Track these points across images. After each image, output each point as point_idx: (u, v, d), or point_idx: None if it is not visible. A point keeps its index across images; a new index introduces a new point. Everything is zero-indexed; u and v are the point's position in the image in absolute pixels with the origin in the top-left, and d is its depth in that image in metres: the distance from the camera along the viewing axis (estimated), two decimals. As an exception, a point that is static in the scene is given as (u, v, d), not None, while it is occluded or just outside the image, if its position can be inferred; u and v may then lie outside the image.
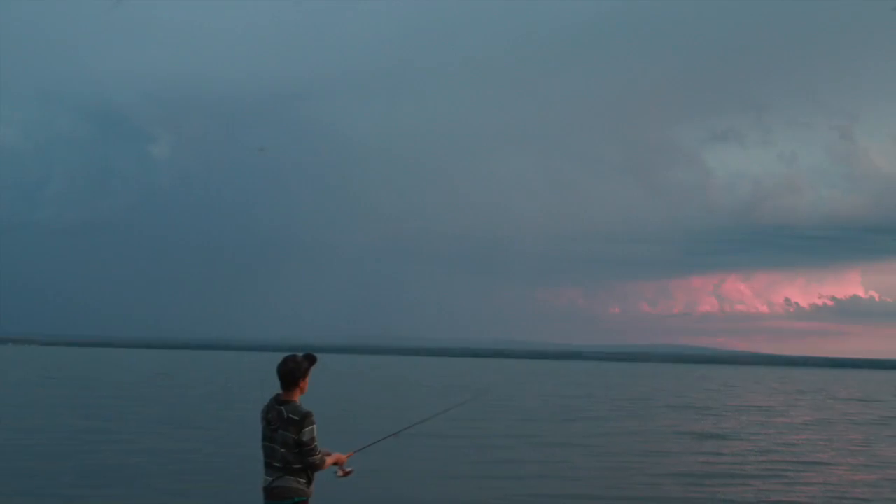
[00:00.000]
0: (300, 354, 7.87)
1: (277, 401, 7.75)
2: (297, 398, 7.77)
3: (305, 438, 7.54)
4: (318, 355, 7.97)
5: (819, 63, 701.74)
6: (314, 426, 7.64)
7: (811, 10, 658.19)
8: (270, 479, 7.69)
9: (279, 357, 7.87)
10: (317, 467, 7.71)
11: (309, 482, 7.74)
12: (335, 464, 7.97)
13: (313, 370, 7.89)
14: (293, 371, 7.73)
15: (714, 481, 15.97)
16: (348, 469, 8.14)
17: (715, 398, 50.13)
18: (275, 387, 7.92)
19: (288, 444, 7.57)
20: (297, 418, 7.58)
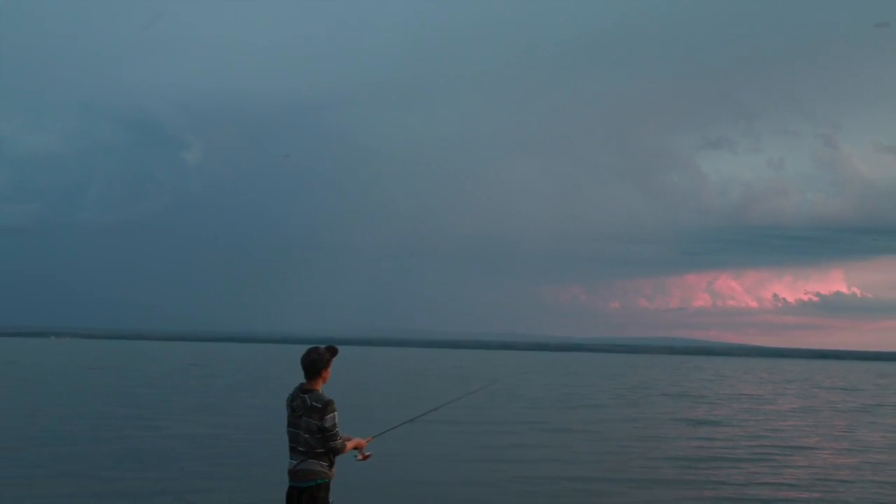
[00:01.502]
0: (322, 346, 7.90)
1: (302, 389, 7.79)
2: (320, 387, 7.81)
3: (328, 424, 7.58)
4: (339, 347, 8.00)
5: (805, 76, 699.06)
6: (336, 413, 7.68)
7: (798, 27, 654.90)
8: (295, 462, 7.72)
9: (303, 349, 7.91)
10: (338, 451, 7.75)
11: (331, 465, 7.77)
12: (355, 448, 8.00)
13: (335, 361, 7.93)
14: (316, 362, 7.77)
15: (707, 464, 15.93)
16: (367, 453, 8.17)
17: (708, 387, 49.97)
18: (299, 376, 7.96)
19: (311, 430, 7.61)
20: (319, 406, 7.62)
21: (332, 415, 7.62)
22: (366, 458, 8.17)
